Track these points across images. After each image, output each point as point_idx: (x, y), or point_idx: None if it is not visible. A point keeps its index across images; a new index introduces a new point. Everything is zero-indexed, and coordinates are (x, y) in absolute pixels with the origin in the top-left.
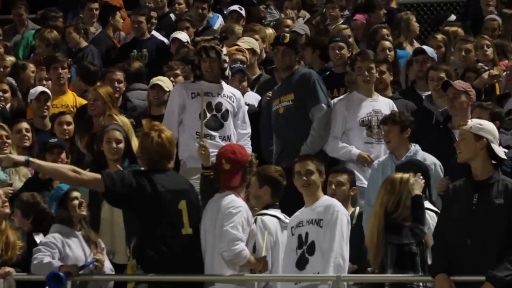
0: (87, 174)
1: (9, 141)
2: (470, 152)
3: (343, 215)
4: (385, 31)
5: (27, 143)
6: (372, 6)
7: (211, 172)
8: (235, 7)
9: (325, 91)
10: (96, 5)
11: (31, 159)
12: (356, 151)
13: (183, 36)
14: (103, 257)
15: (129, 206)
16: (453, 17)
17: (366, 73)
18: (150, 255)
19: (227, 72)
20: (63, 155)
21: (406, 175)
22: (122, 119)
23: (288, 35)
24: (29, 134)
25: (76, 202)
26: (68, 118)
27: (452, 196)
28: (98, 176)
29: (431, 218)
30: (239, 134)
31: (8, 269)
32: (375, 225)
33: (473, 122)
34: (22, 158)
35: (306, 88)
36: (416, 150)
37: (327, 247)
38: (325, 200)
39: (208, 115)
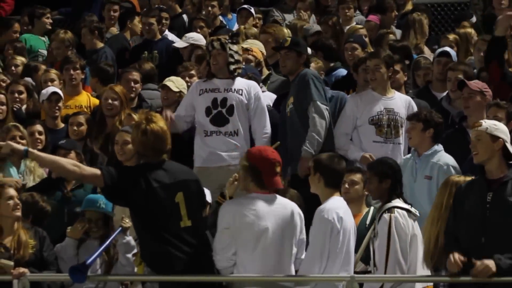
0: (86, 168)
1: (23, 141)
2: (488, 153)
3: (325, 220)
4: (391, 36)
5: (40, 146)
6: (384, 8)
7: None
8: (245, 5)
9: (320, 88)
10: (116, 7)
11: (30, 149)
12: (360, 153)
13: (180, 44)
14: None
15: (126, 202)
16: (474, 18)
17: (372, 72)
18: (153, 253)
19: (232, 67)
20: (71, 155)
21: (468, 178)
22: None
23: (289, 38)
24: (42, 137)
25: (86, 226)
26: (80, 119)
27: (464, 193)
28: (98, 171)
29: (402, 217)
30: (255, 124)
31: (22, 269)
32: (443, 227)
33: (487, 123)
34: (21, 147)
35: (301, 87)
36: (435, 150)
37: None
38: (326, 202)
39: (214, 111)
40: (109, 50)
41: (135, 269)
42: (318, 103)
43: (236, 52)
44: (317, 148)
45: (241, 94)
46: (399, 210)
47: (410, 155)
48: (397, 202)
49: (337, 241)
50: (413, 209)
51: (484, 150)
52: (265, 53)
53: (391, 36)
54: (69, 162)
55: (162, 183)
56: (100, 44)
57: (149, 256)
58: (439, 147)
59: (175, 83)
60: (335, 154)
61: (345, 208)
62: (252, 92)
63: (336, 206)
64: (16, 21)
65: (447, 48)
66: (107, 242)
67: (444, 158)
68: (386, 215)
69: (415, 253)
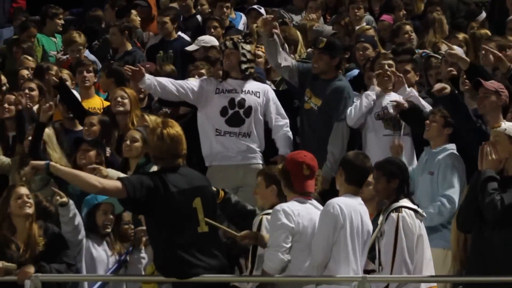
0: (109, 182)
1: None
2: (505, 153)
3: (329, 214)
4: (408, 27)
5: None
6: (392, 7)
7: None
8: (254, 6)
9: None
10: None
11: (51, 163)
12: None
13: (192, 47)
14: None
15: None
16: (483, 15)
17: (387, 67)
18: (167, 259)
19: (244, 66)
20: (91, 153)
21: None
22: (153, 119)
23: (324, 39)
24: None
25: (102, 218)
26: (92, 119)
27: None
28: (119, 183)
29: (409, 216)
30: (277, 126)
31: (28, 271)
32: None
33: (507, 124)
34: (42, 162)
35: (335, 100)
36: (445, 148)
37: None
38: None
39: (230, 111)
40: (142, 53)
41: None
42: (346, 123)
43: (249, 51)
44: (335, 168)
45: (259, 97)
46: (407, 210)
47: (424, 152)
48: (405, 202)
49: (341, 236)
50: (420, 210)
51: (501, 150)
52: None
53: (408, 27)
54: (90, 177)
55: (180, 188)
56: (129, 46)
57: (163, 263)
58: (450, 145)
59: None
60: (361, 152)
61: (355, 205)
62: (269, 94)
63: (343, 201)
64: (33, 24)
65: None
66: (119, 263)
67: (448, 156)
68: (393, 214)
69: (421, 253)
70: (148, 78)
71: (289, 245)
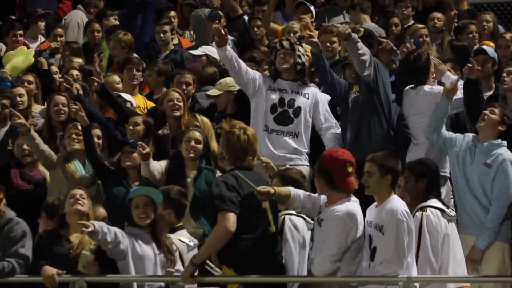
0: (225, 220)
1: (80, 137)
2: None
3: (402, 222)
4: (474, 27)
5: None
6: (443, 7)
7: None
8: (304, 1)
9: (386, 77)
10: (173, 13)
11: (193, 260)
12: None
13: (197, 51)
14: (172, 266)
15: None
16: None
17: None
18: (236, 256)
19: (299, 68)
20: (136, 154)
21: None
22: (204, 120)
23: (362, 29)
24: (100, 141)
25: (136, 212)
26: (136, 119)
27: None
28: (229, 214)
29: (434, 215)
30: (326, 127)
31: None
32: None
33: None
34: (190, 268)
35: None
36: (501, 143)
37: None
38: (390, 202)
39: (280, 109)
40: (187, 52)
41: None
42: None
43: (303, 54)
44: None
45: (308, 98)
46: (432, 209)
47: (471, 134)
48: (433, 202)
49: (411, 240)
50: (448, 210)
51: None
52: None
53: (474, 27)
54: (215, 235)
55: (253, 188)
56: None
57: (228, 254)
58: (504, 142)
59: (218, 86)
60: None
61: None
62: (319, 97)
63: (403, 204)
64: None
65: (484, 46)
66: None
67: (507, 153)
68: (418, 214)
69: (447, 252)
70: (228, 49)
71: (343, 255)
